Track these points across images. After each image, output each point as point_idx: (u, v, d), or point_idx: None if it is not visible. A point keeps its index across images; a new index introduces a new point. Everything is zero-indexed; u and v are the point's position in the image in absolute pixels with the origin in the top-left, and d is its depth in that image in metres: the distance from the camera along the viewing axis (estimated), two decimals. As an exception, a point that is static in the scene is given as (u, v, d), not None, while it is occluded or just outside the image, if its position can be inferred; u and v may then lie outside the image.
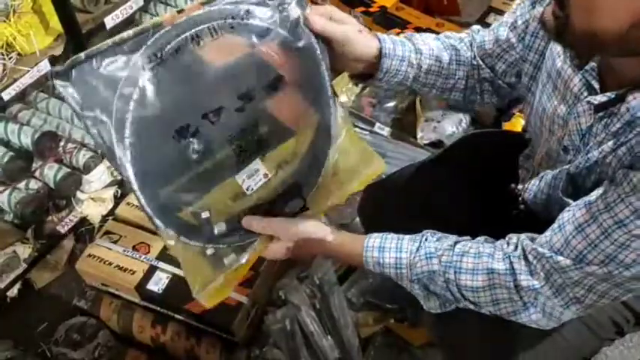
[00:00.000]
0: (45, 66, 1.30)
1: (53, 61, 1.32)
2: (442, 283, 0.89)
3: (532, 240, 0.86)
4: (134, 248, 1.48)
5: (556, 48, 0.92)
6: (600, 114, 0.82)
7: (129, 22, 1.99)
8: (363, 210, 1.34)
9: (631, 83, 0.77)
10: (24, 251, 1.48)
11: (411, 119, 2.00)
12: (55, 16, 1.28)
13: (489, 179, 1.10)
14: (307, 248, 0.94)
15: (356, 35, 0.90)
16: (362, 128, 1.97)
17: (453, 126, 1.89)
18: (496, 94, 1.09)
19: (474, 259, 0.87)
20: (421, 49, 1.01)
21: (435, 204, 1.10)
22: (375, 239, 0.93)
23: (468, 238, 0.92)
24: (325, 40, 0.85)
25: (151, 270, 1.44)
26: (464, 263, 0.87)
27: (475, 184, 1.10)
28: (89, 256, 1.46)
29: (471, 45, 1.05)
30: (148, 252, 1.48)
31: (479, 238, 0.91)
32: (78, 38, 1.34)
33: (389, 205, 1.21)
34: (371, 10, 2.03)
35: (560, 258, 0.80)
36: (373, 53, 0.95)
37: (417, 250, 0.90)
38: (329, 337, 1.45)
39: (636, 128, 0.76)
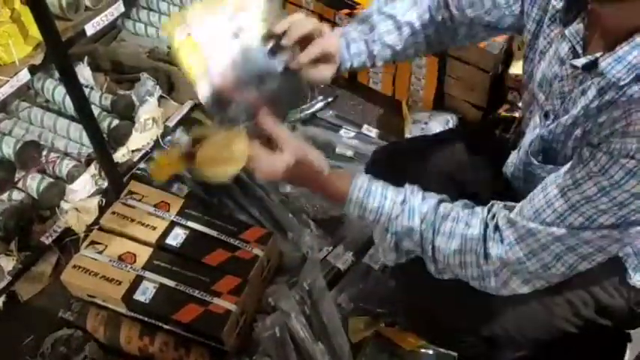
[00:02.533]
0: (25, 75, 1.28)
1: (33, 70, 1.30)
2: (417, 239, 0.93)
3: (507, 208, 0.89)
4: (120, 258, 1.46)
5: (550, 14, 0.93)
6: (580, 77, 0.84)
7: (111, 28, 1.98)
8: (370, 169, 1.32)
9: (610, 43, 0.78)
10: (8, 263, 1.46)
11: (397, 120, 2.00)
12: (34, 24, 1.26)
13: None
14: (304, 173, 0.95)
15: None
16: (349, 130, 1.96)
17: (440, 127, 1.88)
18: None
19: (452, 222, 0.91)
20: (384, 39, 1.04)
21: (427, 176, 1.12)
22: (363, 181, 0.96)
23: (448, 199, 0.96)
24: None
25: (138, 280, 1.42)
26: (442, 226, 0.91)
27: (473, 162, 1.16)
28: (74, 267, 1.44)
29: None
30: (134, 262, 1.46)
31: (460, 202, 0.95)
32: (58, 46, 1.31)
33: (397, 166, 1.21)
34: (355, 12, 2.02)
35: (531, 225, 0.84)
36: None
37: (402, 202, 0.93)
38: (319, 343, 1.43)
39: (605, 96, 0.79)
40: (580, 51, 0.85)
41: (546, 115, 0.94)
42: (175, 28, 0.92)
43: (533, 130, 0.98)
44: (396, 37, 1.05)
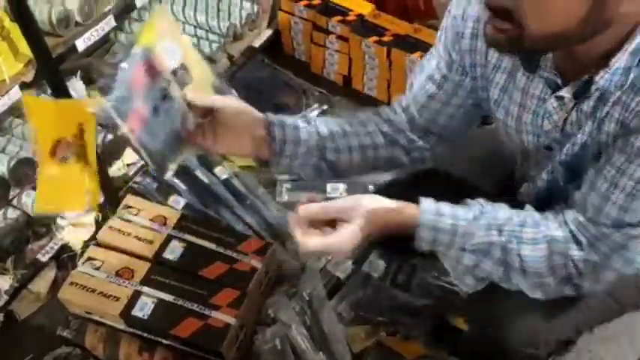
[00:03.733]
0: (16, 93, 1.28)
1: (24, 87, 1.29)
2: (499, 255, 0.88)
3: (573, 212, 0.89)
4: (117, 274, 1.45)
5: (498, 68, 0.93)
6: (569, 104, 0.85)
7: (103, 42, 1.97)
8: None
9: (590, 65, 0.80)
10: (4, 282, 1.45)
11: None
12: (24, 41, 1.25)
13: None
14: (377, 220, 0.87)
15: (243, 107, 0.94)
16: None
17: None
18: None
19: (532, 228, 0.88)
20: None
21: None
22: (430, 203, 0.90)
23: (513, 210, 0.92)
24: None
25: (136, 295, 1.41)
26: (524, 234, 0.88)
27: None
28: (71, 284, 1.43)
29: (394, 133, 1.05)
30: (132, 277, 1.44)
31: (527, 208, 0.92)
32: (49, 63, 1.30)
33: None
34: (348, 18, 2.01)
35: (603, 229, 0.84)
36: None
37: (475, 219, 0.88)
38: (321, 353, 1.42)
39: (609, 101, 0.80)
40: (559, 81, 0.85)
41: (549, 148, 0.94)
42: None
43: (542, 164, 0.98)
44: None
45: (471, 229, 0.88)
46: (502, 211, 0.91)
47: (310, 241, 0.85)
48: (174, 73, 0.85)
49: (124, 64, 0.80)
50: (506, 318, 1.01)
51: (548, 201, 0.99)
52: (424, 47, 1.91)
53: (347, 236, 0.84)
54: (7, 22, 1.26)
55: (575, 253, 0.86)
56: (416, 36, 1.95)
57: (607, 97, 0.81)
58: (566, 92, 0.84)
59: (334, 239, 0.84)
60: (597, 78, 0.79)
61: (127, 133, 0.81)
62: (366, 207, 0.86)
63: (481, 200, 0.92)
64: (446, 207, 0.90)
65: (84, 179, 0.86)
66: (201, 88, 0.89)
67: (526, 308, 0.98)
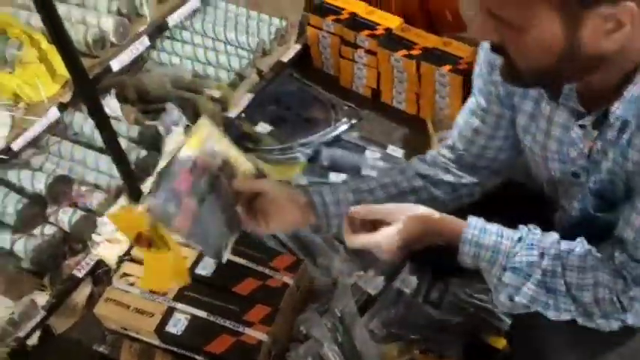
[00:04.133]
0: (54, 114, 1.31)
1: (62, 108, 1.32)
2: (540, 277, 0.88)
3: (622, 249, 0.88)
4: (151, 290, 1.46)
5: (525, 96, 0.96)
6: (593, 132, 0.86)
7: (136, 61, 2.00)
8: None
9: (607, 96, 0.81)
10: (41, 298, 1.47)
11: (423, 139, 1.98)
12: (61, 63, 1.28)
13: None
14: (416, 226, 0.93)
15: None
16: (374, 150, 1.95)
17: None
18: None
19: (579, 257, 0.88)
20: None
21: None
22: (477, 220, 0.92)
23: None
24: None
25: (169, 311, 1.42)
26: (570, 260, 0.88)
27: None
28: (107, 300, 1.45)
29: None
30: (165, 293, 1.46)
31: (579, 240, 0.91)
32: (85, 83, 1.33)
33: None
34: (376, 32, 2.01)
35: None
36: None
37: (520, 240, 0.90)
38: (353, 371, 1.41)
39: (629, 129, 0.82)
40: (582, 109, 0.87)
41: (575, 175, 0.94)
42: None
43: (572, 193, 0.98)
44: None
45: (513, 249, 0.89)
46: (551, 237, 0.91)
47: (355, 237, 0.94)
48: (219, 169, 0.96)
49: (172, 169, 0.92)
50: (552, 353, 0.99)
51: (582, 231, 0.97)
52: (453, 60, 1.90)
53: (385, 236, 0.92)
54: (45, 44, 1.29)
55: (620, 288, 0.86)
56: (445, 49, 1.94)
57: (627, 126, 0.82)
58: (588, 121, 0.86)
59: (374, 238, 0.92)
60: (613, 108, 0.81)
61: (178, 232, 0.93)
62: (407, 213, 0.93)
63: (532, 226, 0.92)
64: (494, 226, 0.92)
65: (167, 263, 0.98)
66: (244, 177, 1.00)
67: (573, 344, 0.95)
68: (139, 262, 1.54)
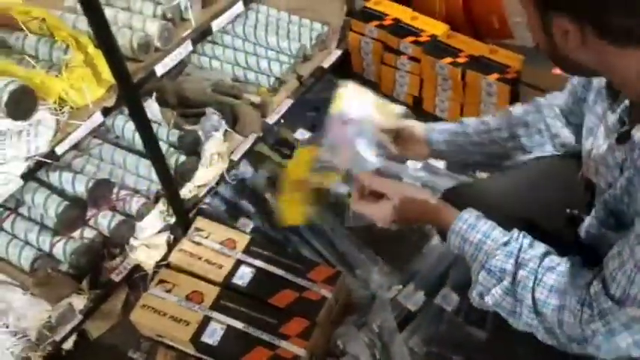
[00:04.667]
0: (98, 118, 1.30)
1: (106, 112, 1.31)
2: (509, 285, 0.90)
3: (600, 278, 0.85)
4: (187, 298, 1.45)
5: (592, 90, 0.98)
6: (627, 146, 0.84)
7: (181, 66, 2.00)
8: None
9: None
10: (79, 302, 1.47)
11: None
12: (106, 67, 1.27)
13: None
14: (411, 207, 1.04)
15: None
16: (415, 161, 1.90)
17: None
18: None
19: (557, 276, 0.88)
20: None
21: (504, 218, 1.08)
22: (471, 215, 0.98)
23: (555, 252, 0.93)
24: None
25: (206, 321, 1.41)
26: (546, 277, 0.88)
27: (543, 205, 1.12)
28: (143, 306, 1.44)
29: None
30: (202, 301, 1.44)
31: (569, 258, 0.91)
32: (129, 88, 1.32)
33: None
34: (420, 39, 1.96)
35: (610, 301, 0.80)
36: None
37: (505, 244, 0.93)
38: (391, 389, 1.37)
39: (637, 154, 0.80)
40: (626, 119, 0.85)
41: (610, 186, 0.91)
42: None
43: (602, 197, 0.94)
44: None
45: (495, 250, 0.93)
46: (536, 249, 0.92)
47: (357, 202, 1.09)
48: (366, 116, 1.17)
49: (328, 125, 1.17)
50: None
51: (597, 244, 0.96)
52: (500, 69, 1.84)
53: (381, 209, 1.05)
54: (91, 48, 1.28)
55: (585, 317, 0.84)
56: (491, 57, 1.88)
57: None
58: (622, 131, 0.84)
59: (371, 207, 1.07)
60: (634, 131, 0.79)
61: (341, 170, 1.20)
62: (405, 193, 1.05)
63: (524, 233, 0.94)
64: (485, 224, 0.97)
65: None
66: (392, 119, 1.22)
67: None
68: (176, 268, 1.53)
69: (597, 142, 0.94)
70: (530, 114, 1.18)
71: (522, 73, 1.80)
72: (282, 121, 1.97)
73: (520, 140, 1.17)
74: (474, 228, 0.96)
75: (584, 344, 0.86)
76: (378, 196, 1.07)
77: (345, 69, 2.19)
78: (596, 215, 0.94)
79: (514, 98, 1.82)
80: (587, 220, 1.01)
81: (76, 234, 1.51)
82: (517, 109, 1.20)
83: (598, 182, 0.96)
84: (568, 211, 1.10)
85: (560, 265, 0.89)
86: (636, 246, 0.77)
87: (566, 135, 1.16)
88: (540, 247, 0.93)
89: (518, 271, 0.90)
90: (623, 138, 0.83)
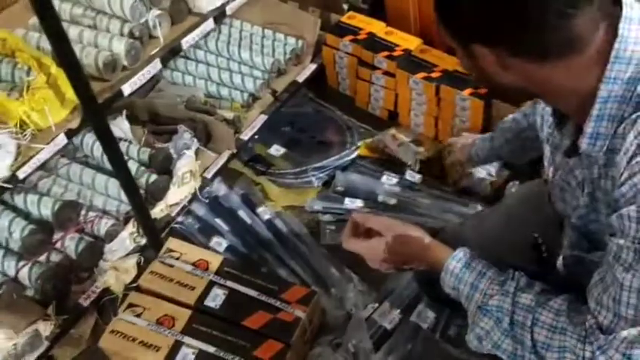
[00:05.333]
0: (61, 140, 1.27)
1: (70, 134, 1.28)
2: (508, 326, 0.87)
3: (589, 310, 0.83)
4: (158, 322, 1.41)
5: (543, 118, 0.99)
6: (582, 163, 0.84)
7: (152, 82, 1.97)
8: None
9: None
10: (46, 328, 1.42)
11: (439, 164, 1.92)
12: (70, 87, 1.24)
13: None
14: (404, 245, 1.02)
15: None
16: (391, 176, 1.88)
17: (483, 172, 1.78)
18: None
19: (554, 315, 0.85)
20: None
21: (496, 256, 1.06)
22: (464, 253, 0.96)
23: (552, 290, 0.91)
24: None
25: (177, 346, 1.37)
26: (543, 316, 0.86)
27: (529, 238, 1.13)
28: (112, 332, 1.40)
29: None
30: (173, 325, 1.41)
31: (566, 296, 0.88)
32: (95, 108, 1.29)
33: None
34: (395, 54, 1.96)
35: (602, 337, 0.79)
36: None
37: (501, 283, 0.91)
38: (367, 412, 1.35)
39: (592, 167, 0.81)
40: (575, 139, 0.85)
41: (576, 209, 0.90)
42: None
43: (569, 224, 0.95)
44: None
45: (490, 290, 0.90)
46: (533, 287, 0.89)
47: (348, 239, 1.08)
48: None
49: None
50: None
51: (575, 274, 0.95)
52: (475, 84, 1.84)
53: (371, 247, 1.04)
54: (54, 69, 1.25)
55: (587, 356, 0.80)
56: (465, 72, 1.88)
57: (593, 162, 0.81)
58: (565, 146, 0.87)
59: (361, 244, 1.06)
60: (579, 143, 0.80)
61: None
62: (398, 231, 1.03)
63: (521, 272, 0.92)
64: (480, 263, 0.94)
65: None
66: None
67: None
68: (147, 291, 1.49)
69: (555, 169, 0.94)
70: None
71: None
72: (256, 136, 1.95)
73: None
74: (468, 267, 0.94)
75: None
76: (370, 235, 1.06)
77: (320, 83, 2.18)
78: (569, 242, 0.93)
79: (487, 113, 1.82)
80: (561, 254, 1.00)
81: (42, 258, 1.47)
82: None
83: (565, 210, 0.95)
84: (535, 235, 1.10)
85: (557, 302, 0.86)
86: (617, 266, 0.76)
87: None
88: (537, 286, 0.90)
89: (515, 310, 0.87)
90: (571, 151, 0.84)
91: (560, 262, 1.00)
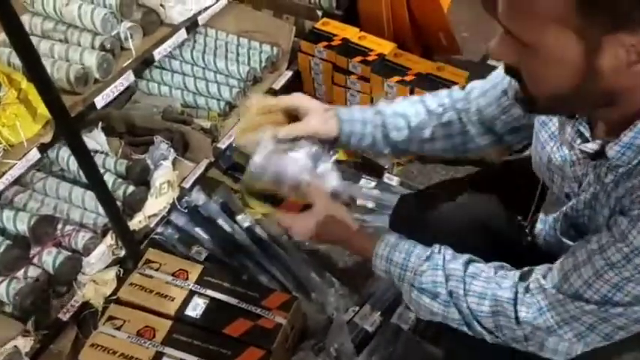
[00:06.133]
0: (34, 155, 1.26)
1: (43, 148, 1.28)
2: (446, 297, 0.92)
3: (540, 273, 0.88)
4: (139, 333, 1.41)
5: None
6: (591, 161, 0.83)
7: (128, 93, 1.96)
8: (395, 215, 1.35)
9: (610, 130, 0.78)
10: (25, 344, 1.41)
11: (419, 167, 1.94)
12: (42, 102, 1.24)
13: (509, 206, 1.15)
14: (332, 228, 1.03)
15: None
16: (369, 179, 1.90)
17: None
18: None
19: (483, 282, 0.90)
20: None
21: (457, 225, 1.10)
22: (390, 237, 1.00)
23: (479, 259, 0.95)
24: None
25: (158, 357, 1.37)
26: (473, 285, 0.90)
27: (495, 211, 1.14)
28: (92, 345, 1.40)
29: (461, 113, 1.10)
30: (154, 337, 1.41)
31: (493, 263, 0.94)
32: (67, 122, 1.29)
33: (418, 218, 1.19)
34: (369, 59, 1.98)
35: (559, 295, 0.83)
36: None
37: (427, 258, 0.95)
38: (351, 415, 1.35)
39: (617, 173, 0.78)
40: (587, 134, 0.83)
41: (567, 196, 0.92)
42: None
43: (556, 207, 0.95)
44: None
45: (420, 267, 0.94)
46: (460, 259, 0.94)
47: (282, 216, 1.06)
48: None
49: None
50: None
51: (553, 246, 0.98)
52: (448, 86, 1.85)
53: (304, 221, 1.03)
54: (25, 84, 1.25)
55: (523, 315, 0.86)
56: (439, 74, 1.90)
57: (617, 170, 0.78)
58: (589, 149, 0.81)
59: (293, 218, 1.05)
60: (607, 148, 0.77)
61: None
62: (331, 211, 1.02)
63: (444, 246, 0.96)
64: (406, 243, 0.98)
65: None
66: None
67: None
68: (127, 303, 1.49)
69: (553, 153, 0.92)
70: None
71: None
72: (234, 145, 1.95)
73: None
74: (396, 248, 0.98)
75: (526, 344, 0.88)
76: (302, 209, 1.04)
77: (296, 90, 2.17)
78: (557, 227, 0.95)
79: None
80: (541, 226, 1.03)
81: (20, 274, 1.46)
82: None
83: (551, 188, 0.97)
84: (519, 218, 1.12)
85: (485, 271, 0.91)
86: (597, 255, 0.78)
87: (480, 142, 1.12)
88: (463, 257, 0.94)
89: (448, 282, 0.91)
90: (596, 155, 0.81)
91: (542, 238, 1.03)
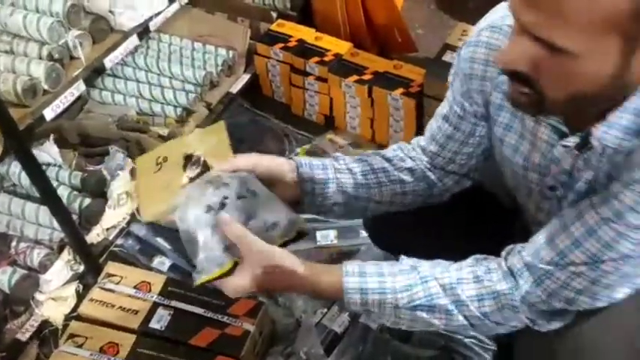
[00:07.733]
0: (-18, 172, 1.21)
1: (-9, 164, 1.23)
2: (447, 305, 0.87)
3: (520, 251, 0.87)
4: (101, 350, 1.37)
5: (501, 107, 0.93)
6: (577, 152, 0.83)
7: (73, 104, 1.90)
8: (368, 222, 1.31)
9: (594, 119, 0.78)
10: (-18, 369, 1.36)
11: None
12: (-12, 116, 1.19)
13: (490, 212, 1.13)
14: (272, 277, 0.87)
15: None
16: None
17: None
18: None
19: (474, 284, 0.87)
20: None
21: (438, 229, 1.09)
22: (353, 265, 0.90)
23: (451, 263, 0.91)
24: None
25: (123, 373, 1.34)
26: (465, 291, 0.87)
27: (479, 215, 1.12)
28: (53, 366, 1.35)
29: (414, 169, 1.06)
30: (117, 352, 1.37)
31: (468, 261, 0.90)
32: (16, 136, 1.24)
33: (396, 221, 1.15)
34: (326, 59, 1.98)
35: (548, 267, 0.83)
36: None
37: (401, 272, 0.89)
38: (323, 418, 1.35)
39: (606, 155, 0.79)
40: (566, 129, 0.84)
41: (552, 188, 0.92)
42: None
43: (543, 205, 0.96)
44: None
45: (399, 284, 0.88)
46: (438, 265, 0.90)
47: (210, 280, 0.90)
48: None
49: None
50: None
51: None
52: (406, 84, 1.88)
53: (236, 284, 0.87)
54: (-30, 98, 1.20)
55: (525, 289, 0.85)
56: (396, 72, 1.92)
57: (606, 151, 0.79)
58: (571, 142, 0.83)
59: (224, 284, 0.88)
60: (595, 131, 0.77)
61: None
62: (265, 260, 0.86)
63: (414, 259, 0.92)
64: (370, 266, 0.90)
65: None
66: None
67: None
68: (88, 320, 1.45)
69: (530, 152, 0.92)
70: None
71: (425, 86, 1.84)
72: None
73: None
74: (364, 275, 0.89)
75: (534, 323, 0.87)
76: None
77: (254, 93, 2.17)
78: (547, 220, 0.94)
79: (420, 111, 1.86)
80: (539, 219, 1.00)
81: (-27, 295, 1.41)
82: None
83: (529, 196, 0.98)
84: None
85: (467, 272, 0.88)
86: (588, 209, 0.79)
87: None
88: (439, 261, 0.92)
89: (445, 291, 0.88)
90: (581, 146, 0.81)
91: (520, 225, 1.04)
